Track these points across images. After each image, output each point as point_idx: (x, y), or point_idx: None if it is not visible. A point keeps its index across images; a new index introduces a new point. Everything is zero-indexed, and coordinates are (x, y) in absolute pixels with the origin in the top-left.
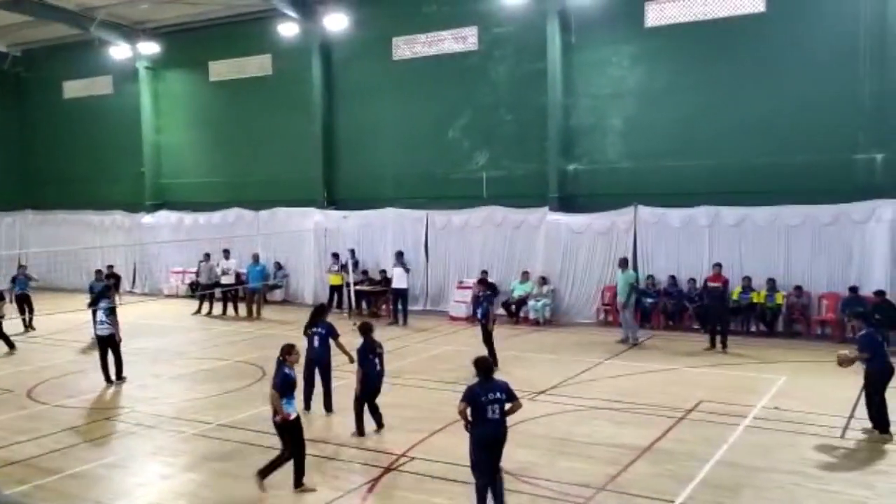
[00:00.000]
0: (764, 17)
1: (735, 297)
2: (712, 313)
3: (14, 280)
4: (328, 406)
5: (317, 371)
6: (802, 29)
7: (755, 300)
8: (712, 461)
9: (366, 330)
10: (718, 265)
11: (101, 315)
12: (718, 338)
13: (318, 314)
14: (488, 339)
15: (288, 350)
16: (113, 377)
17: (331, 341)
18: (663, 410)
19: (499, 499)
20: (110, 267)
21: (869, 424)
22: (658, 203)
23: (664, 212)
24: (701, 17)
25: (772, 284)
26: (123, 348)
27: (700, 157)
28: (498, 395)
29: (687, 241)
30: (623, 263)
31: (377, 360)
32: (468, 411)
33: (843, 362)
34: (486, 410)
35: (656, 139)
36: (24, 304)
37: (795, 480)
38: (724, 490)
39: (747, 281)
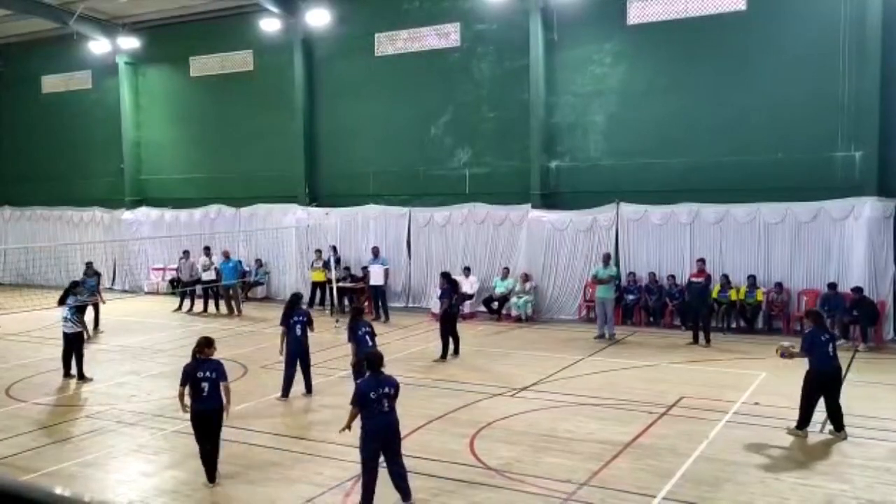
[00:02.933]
0: (744, 15)
1: (715, 295)
2: (693, 308)
3: None
4: (309, 388)
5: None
6: (782, 27)
7: (734, 297)
8: (693, 456)
9: (357, 312)
10: (701, 260)
11: (66, 312)
12: (701, 333)
13: (296, 303)
14: (444, 332)
15: (207, 343)
16: (75, 374)
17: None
18: (645, 406)
19: (404, 490)
20: (89, 264)
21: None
22: (640, 200)
23: (645, 209)
24: (682, 15)
25: (752, 281)
26: (104, 345)
27: (681, 154)
28: (387, 389)
29: (668, 238)
30: (606, 259)
31: (368, 338)
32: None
33: (784, 355)
34: (377, 405)
35: (638, 136)
36: None
37: (775, 475)
38: (705, 485)
39: (725, 279)
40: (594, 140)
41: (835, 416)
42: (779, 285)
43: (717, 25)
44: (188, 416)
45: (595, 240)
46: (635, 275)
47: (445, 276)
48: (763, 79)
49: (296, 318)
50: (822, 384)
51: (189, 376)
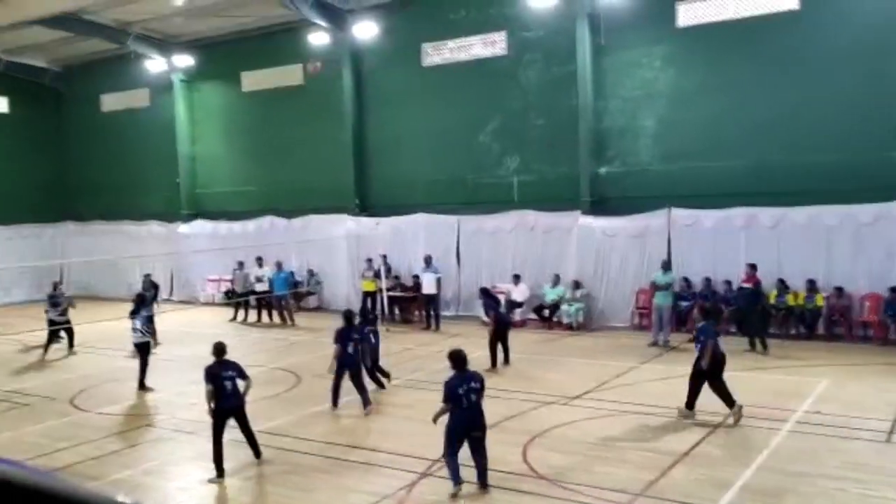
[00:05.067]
0: (798, 14)
1: (771, 300)
2: (744, 315)
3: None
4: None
5: (347, 374)
6: (837, 26)
7: (791, 302)
8: (753, 466)
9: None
10: (750, 266)
11: (138, 323)
12: (758, 340)
13: (355, 320)
14: (493, 341)
15: (223, 349)
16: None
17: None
18: (701, 415)
19: (483, 479)
20: (148, 275)
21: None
22: (692, 205)
23: (698, 213)
24: (733, 16)
25: (811, 286)
26: (163, 355)
27: (734, 157)
28: (474, 384)
29: (722, 243)
30: (664, 265)
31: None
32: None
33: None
34: (464, 399)
35: (689, 140)
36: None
37: (839, 485)
38: (766, 496)
39: (781, 284)
40: (644, 144)
41: (724, 394)
42: (839, 290)
43: (769, 25)
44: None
45: (647, 246)
46: (689, 281)
47: (483, 292)
48: (818, 78)
49: (355, 335)
50: (712, 370)
51: (214, 377)
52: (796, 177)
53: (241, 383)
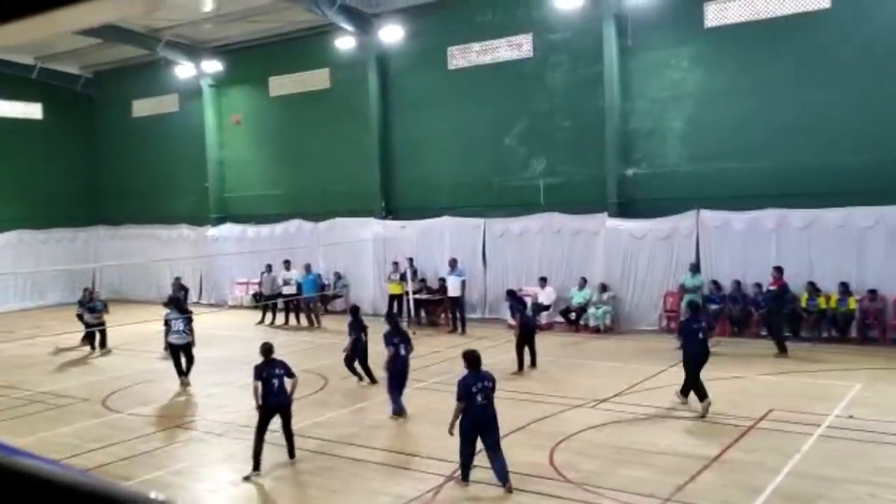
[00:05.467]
0: (829, 12)
1: (803, 303)
2: (771, 318)
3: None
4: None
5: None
6: (869, 24)
7: (823, 305)
8: (784, 471)
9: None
10: (776, 269)
11: (180, 325)
12: (776, 343)
13: (401, 324)
14: (520, 344)
15: (271, 349)
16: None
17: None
18: (731, 419)
19: (503, 477)
20: (178, 279)
21: None
22: (721, 206)
23: (728, 215)
24: (764, 16)
25: (844, 288)
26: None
27: (764, 158)
28: (487, 383)
29: (752, 245)
30: (693, 267)
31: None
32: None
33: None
34: (477, 397)
35: (718, 141)
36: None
37: (872, 491)
38: (797, 501)
39: (812, 286)
40: (672, 146)
41: (698, 387)
42: (873, 292)
43: (799, 24)
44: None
45: (675, 248)
46: (718, 283)
47: (510, 294)
48: (849, 77)
49: (402, 341)
50: (696, 362)
51: (261, 375)
52: (828, 177)
53: (287, 382)
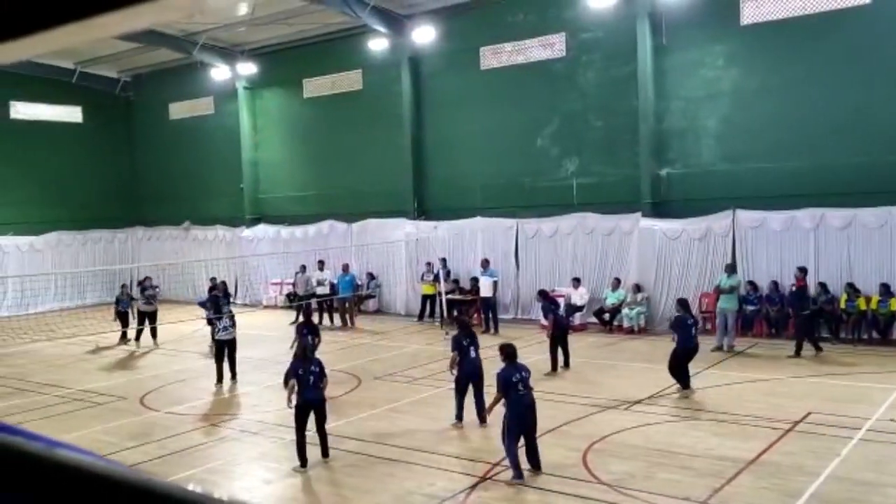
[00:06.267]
0: (869, 8)
1: (842, 304)
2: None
3: (118, 300)
4: (482, 418)
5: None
6: None
7: (863, 307)
8: (823, 475)
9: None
10: (800, 269)
11: (226, 321)
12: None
13: (465, 327)
14: (553, 344)
15: (306, 350)
16: (228, 377)
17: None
18: (768, 422)
19: (534, 458)
20: (213, 279)
21: None
22: (757, 206)
23: (765, 215)
24: (800, 12)
25: (885, 290)
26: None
27: (801, 157)
28: (524, 373)
29: (789, 246)
30: (729, 268)
31: (472, 349)
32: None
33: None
34: (518, 386)
35: (754, 140)
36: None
37: None
38: None
39: (851, 287)
40: (707, 145)
41: (682, 376)
42: None
43: (838, 21)
44: (293, 406)
45: (710, 248)
46: (755, 284)
47: (542, 295)
48: (889, 75)
49: (466, 341)
50: (687, 357)
51: (298, 371)
52: (867, 177)
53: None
